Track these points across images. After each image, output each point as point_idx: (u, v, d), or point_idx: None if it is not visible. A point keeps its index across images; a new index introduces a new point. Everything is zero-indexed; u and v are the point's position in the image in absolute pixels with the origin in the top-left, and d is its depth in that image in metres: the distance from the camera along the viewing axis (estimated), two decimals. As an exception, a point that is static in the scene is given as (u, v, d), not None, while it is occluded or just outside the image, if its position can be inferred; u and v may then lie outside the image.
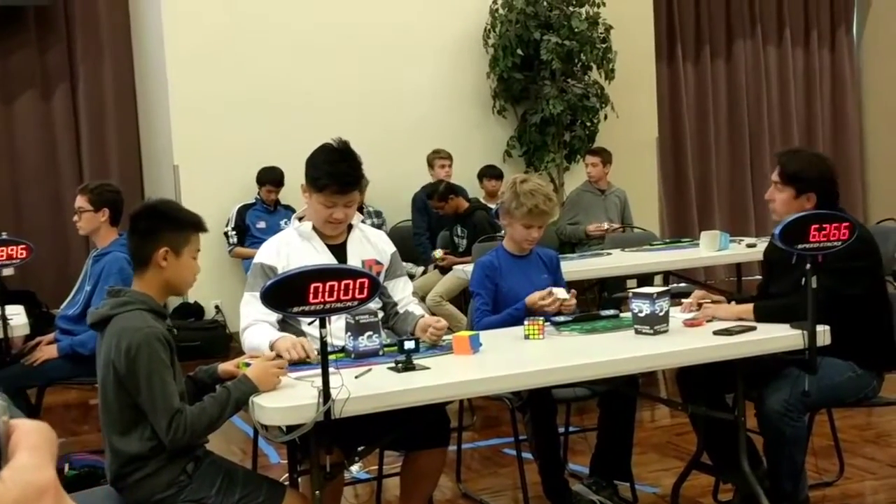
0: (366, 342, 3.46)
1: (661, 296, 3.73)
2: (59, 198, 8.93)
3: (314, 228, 3.85)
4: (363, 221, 4.10)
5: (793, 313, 3.64)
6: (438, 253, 7.83)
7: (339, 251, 3.85)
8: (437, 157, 8.64)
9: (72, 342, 5.01)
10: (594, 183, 8.31)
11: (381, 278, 3.84)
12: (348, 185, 3.74)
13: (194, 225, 3.25)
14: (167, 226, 3.19)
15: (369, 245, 3.94)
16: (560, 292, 4.12)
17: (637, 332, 3.72)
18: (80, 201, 5.15)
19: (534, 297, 4.09)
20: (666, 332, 3.71)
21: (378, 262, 3.91)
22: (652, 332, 3.68)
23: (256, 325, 3.63)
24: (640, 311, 3.71)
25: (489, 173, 8.71)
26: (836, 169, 4.18)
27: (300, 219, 3.93)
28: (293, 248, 3.80)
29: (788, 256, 3.89)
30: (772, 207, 4.11)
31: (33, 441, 0.69)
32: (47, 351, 5.08)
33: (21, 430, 0.69)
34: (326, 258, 3.77)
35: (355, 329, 3.46)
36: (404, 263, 4.47)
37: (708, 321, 3.88)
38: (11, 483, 0.65)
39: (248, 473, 3.33)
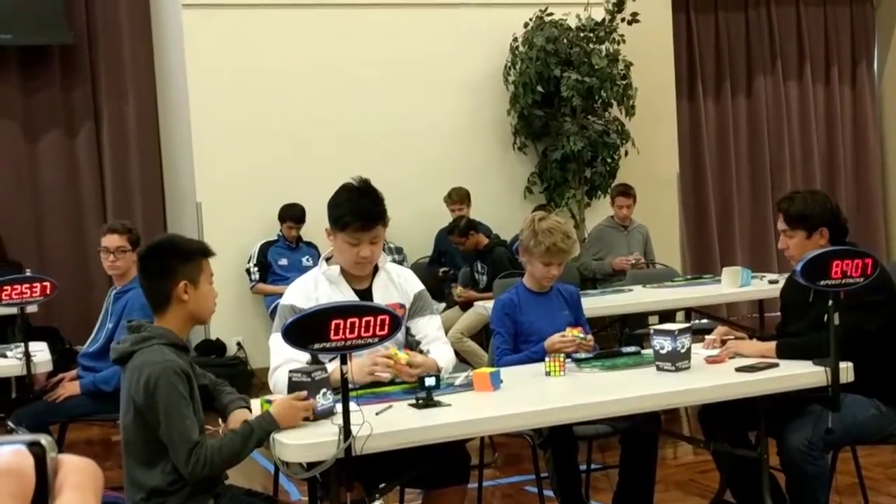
0: (322, 401, 3.18)
1: (682, 332, 3.72)
2: (82, 235, 8.99)
3: (342, 272, 3.83)
4: (384, 258, 4.09)
5: (816, 351, 3.62)
6: (458, 290, 7.85)
7: (365, 296, 3.81)
8: (449, 203, 8.67)
9: (94, 379, 5.03)
10: (619, 220, 8.30)
11: (404, 319, 3.82)
12: (371, 221, 3.73)
13: (202, 251, 3.29)
14: (179, 260, 3.21)
15: (394, 288, 3.90)
16: (578, 332, 4.11)
17: (659, 368, 3.71)
18: (119, 241, 5.12)
19: (553, 340, 4.07)
20: (688, 368, 3.70)
21: (401, 306, 3.85)
22: (674, 368, 3.67)
23: (286, 366, 3.58)
24: (662, 348, 3.71)
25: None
26: (836, 203, 4.18)
27: (328, 259, 3.92)
28: (321, 293, 3.77)
29: (805, 296, 3.88)
30: (788, 255, 4.09)
31: (78, 480, 0.69)
32: (70, 388, 5.10)
33: (66, 466, 0.69)
34: None
35: (310, 387, 3.18)
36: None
37: (731, 358, 3.87)
38: None
39: (268, 510, 3.33)
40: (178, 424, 2.98)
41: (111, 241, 5.14)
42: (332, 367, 3.33)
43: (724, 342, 4.03)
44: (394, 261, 4.83)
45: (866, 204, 11.82)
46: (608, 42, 9.28)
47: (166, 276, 3.18)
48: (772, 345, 3.87)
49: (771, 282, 6.74)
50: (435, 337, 3.94)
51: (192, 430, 2.99)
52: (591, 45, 9.15)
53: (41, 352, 5.19)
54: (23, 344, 4.96)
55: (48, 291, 4.96)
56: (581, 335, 4.07)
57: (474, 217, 8.40)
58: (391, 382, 3.59)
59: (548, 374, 3.76)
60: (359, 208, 3.71)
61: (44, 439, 0.69)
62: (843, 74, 11.81)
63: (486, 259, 7.81)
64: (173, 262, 3.20)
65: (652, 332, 3.81)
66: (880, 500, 4.83)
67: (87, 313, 8.22)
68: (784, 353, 3.80)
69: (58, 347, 7.30)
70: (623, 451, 4.31)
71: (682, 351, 3.69)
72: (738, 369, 3.68)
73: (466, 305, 7.55)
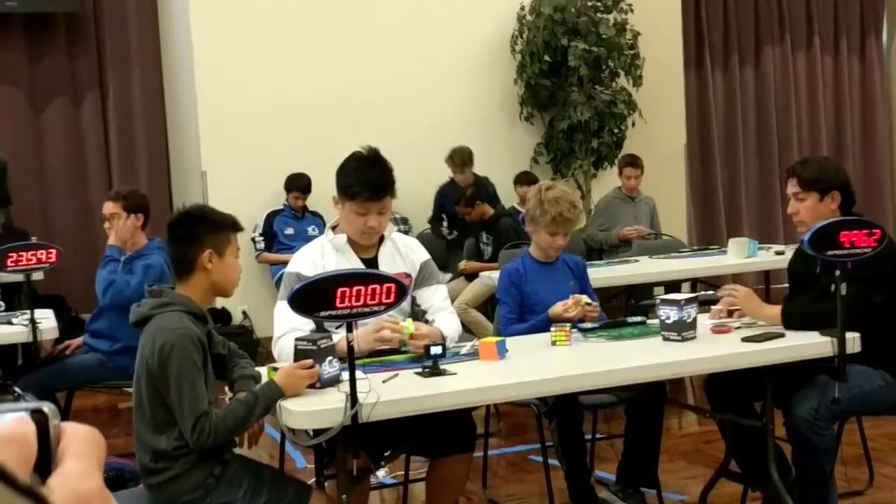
0: (328, 368, 3.18)
1: (688, 302, 3.71)
2: (87, 204, 8.98)
3: (348, 241, 3.82)
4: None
5: (823, 320, 3.61)
6: (463, 262, 7.85)
7: (371, 265, 3.78)
8: (451, 165, 8.56)
9: (106, 288, 5.08)
10: (627, 191, 8.28)
11: (410, 289, 3.81)
12: (380, 191, 3.70)
13: (231, 225, 3.31)
14: (207, 229, 3.23)
15: (399, 258, 3.88)
16: (583, 298, 4.11)
17: (665, 338, 3.70)
18: (114, 208, 5.16)
19: (557, 309, 4.07)
20: (694, 338, 3.70)
21: (407, 276, 3.83)
22: (680, 338, 3.67)
23: (290, 334, 3.54)
24: (668, 318, 3.70)
25: (522, 180, 8.66)
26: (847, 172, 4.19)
27: (334, 227, 3.91)
28: (328, 261, 3.76)
29: (812, 267, 3.87)
30: (797, 220, 4.05)
31: (81, 447, 0.68)
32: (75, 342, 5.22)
33: (69, 434, 0.69)
34: None
35: (316, 355, 3.17)
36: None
37: (732, 311, 3.87)
38: (58, 490, 0.65)
39: (274, 475, 3.35)
40: (189, 393, 2.99)
41: (106, 207, 5.21)
42: (338, 337, 3.32)
43: (730, 313, 4.02)
44: (399, 231, 4.83)
45: (874, 175, 11.79)
46: (616, 11, 9.23)
47: (193, 243, 3.20)
48: (777, 311, 3.85)
49: (777, 253, 6.74)
50: (441, 307, 3.92)
51: (201, 400, 3.01)
52: (599, 15, 9.11)
53: (47, 319, 5.20)
54: (29, 311, 4.97)
55: (53, 259, 4.97)
56: (586, 300, 4.07)
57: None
58: (397, 351, 3.59)
59: (553, 343, 3.76)
60: (368, 178, 3.68)
61: (46, 407, 0.68)
62: (851, 46, 11.75)
63: (492, 230, 7.80)
64: (201, 229, 3.22)
65: (658, 301, 3.80)
66: (885, 471, 4.84)
67: (92, 282, 8.21)
68: (790, 321, 3.79)
69: (64, 316, 7.32)
70: (628, 421, 4.32)
71: (689, 321, 3.69)
72: (745, 339, 3.67)
73: (471, 276, 7.55)
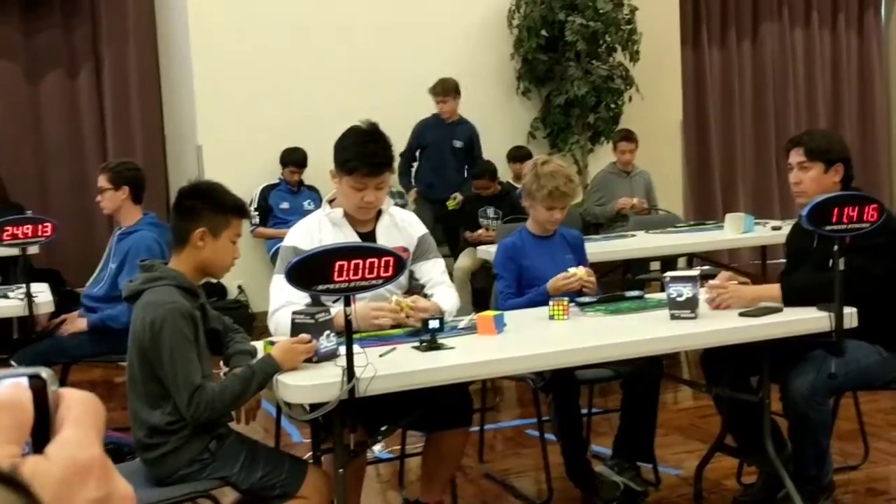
0: (325, 343, 3.18)
1: (699, 278, 3.69)
2: (83, 178, 8.95)
3: (345, 215, 3.80)
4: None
5: (825, 292, 3.57)
6: (473, 234, 7.79)
7: (369, 240, 3.76)
8: (433, 94, 8.45)
9: (102, 316, 5.03)
10: (622, 165, 8.26)
11: (408, 263, 3.80)
12: (379, 166, 3.68)
13: (236, 209, 3.27)
14: (207, 207, 3.21)
15: (397, 232, 3.87)
16: (579, 270, 4.10)
17: (674, 317, 3.63)
18: (101, 180, 5.16)
19: (556, 281, 4.06)
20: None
21: (405, 250, 3.81)
22: (693, 315, 3.61)
23: (287, 308, 3.54)
24: (681, 295, 3.63)
25: (515, 155, 8.64)
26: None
27: (331, 201, 3.89)
28: (325, 235, 3.74)
29: (810, 241, 3.86)
30: (799, 191, 4.02)
31: (79, 414, 0.67)
32: (76, 323, 5.12)
33: (67, 400, 0.68)
34: None
35: (314, 329, 3.17)
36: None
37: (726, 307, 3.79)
38: (56, 459, 0.64)
39: (270, 452, 3.35)
40: (182, 367, 2.99)
41: (98, 180, 5.18)
42: (336, 310, 3.31)
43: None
44: (396, 205, 4.81)
45: (871, 151, 11.77)
46: (613, -14, 9.18)
47: (190, 217, 3.19)
48: (774, 287, 3.82)
49: (774, 228, 6.73)
50: (439, 280, 3.91)
51: (194, 373, 3.00)
52: (596, -11, 9.06)
53: (43, 293, 5.19)
54: (24, 285, 4.96)
55: (49, 232, 4.95)
56: (585, 272, 4.06)
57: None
58: (394, 327, 3.59)
59: (551, 317, 3.76)
60: (367, 153, 3.65)
61: (44, 372, 0.67)
62: (849, 21, 11.71)
63: (502, 203, 7.79)
64: (201, 206, 3.21)
65: (668, 279, 3.70)
66: (880, 446, 4.85)
67: (88, 255, 8.20)
68: (790, 296, 3.75)
69: (59, 289, 7.31)
70: (624, 396, 4.32)
71: (700, 297, 3.66)
72: (742, 314, 3.66)
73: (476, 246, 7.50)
